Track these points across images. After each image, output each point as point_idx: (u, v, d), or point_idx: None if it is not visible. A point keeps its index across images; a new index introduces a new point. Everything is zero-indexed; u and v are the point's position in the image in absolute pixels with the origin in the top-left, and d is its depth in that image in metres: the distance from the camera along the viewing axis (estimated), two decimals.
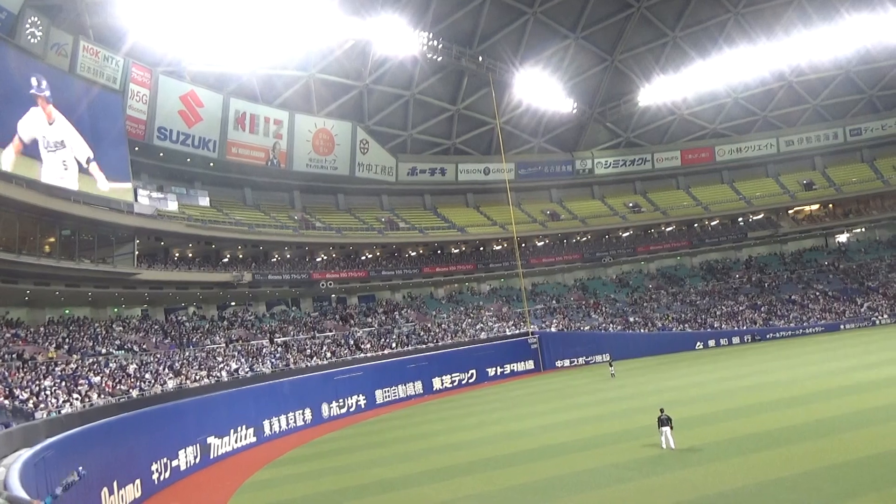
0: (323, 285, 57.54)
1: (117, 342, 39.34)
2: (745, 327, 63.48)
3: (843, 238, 79.53)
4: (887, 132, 77.55)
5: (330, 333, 53.74)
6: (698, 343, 61.30)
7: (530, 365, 58.29)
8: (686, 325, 64.50)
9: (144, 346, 40.26)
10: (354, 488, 23.14)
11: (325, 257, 61.44)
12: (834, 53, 66.47)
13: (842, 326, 62.11)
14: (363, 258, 64.20)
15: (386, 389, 48.19)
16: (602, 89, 71.19)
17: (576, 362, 59.79)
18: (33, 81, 35.90)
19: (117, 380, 33.50)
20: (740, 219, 77.46)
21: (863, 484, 15.76)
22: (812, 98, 75.76)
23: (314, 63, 56.33)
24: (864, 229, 78.44)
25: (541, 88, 64.91)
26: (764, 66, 67.40)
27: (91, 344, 37.49)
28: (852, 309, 64.94)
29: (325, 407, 43.03)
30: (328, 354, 48.92)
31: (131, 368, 35.58)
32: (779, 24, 64.51)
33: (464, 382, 53.66)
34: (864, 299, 66.21)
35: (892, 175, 74.72)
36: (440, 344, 55.88)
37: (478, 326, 61.08)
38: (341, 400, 44.48)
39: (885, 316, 62.56)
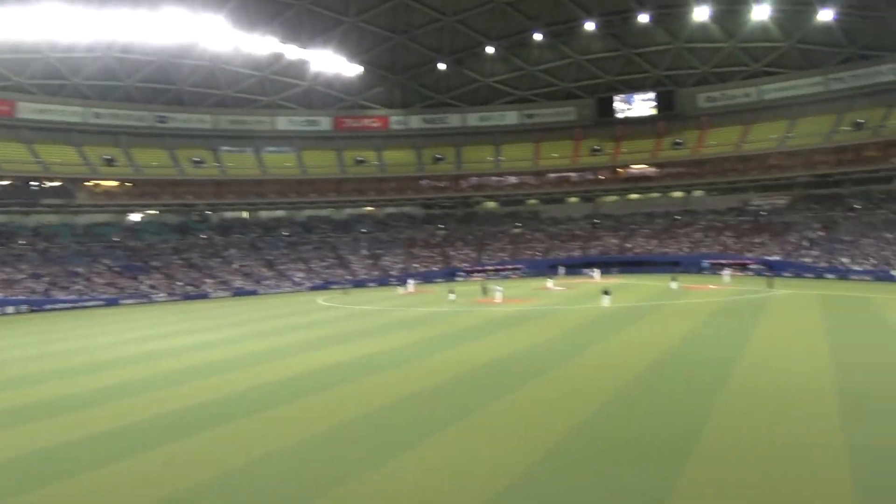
0: None
1: None
2: (24, 297, 60.42)
3: (136, 217, 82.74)
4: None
5: None
6: None
7: None
8: None
9: None
10: None
11: None
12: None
13: (121, 301, 64.53)
14: None
15: None
16: None
17: None
18: None
19: None
20: (34, 183, 73.30)
21: (120, 449, 16.55)
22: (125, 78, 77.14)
23: None
24: (158, 212, 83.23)
25: None
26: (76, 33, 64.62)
27: None
28: (134, 285, 68.04)
29: None
30: None
31: None
32: None
33: None
34: (147, 277, 70.11)
35: (188, 165, 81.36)
36: None
37: None
38: None
39: (163, 294, 67.48)
